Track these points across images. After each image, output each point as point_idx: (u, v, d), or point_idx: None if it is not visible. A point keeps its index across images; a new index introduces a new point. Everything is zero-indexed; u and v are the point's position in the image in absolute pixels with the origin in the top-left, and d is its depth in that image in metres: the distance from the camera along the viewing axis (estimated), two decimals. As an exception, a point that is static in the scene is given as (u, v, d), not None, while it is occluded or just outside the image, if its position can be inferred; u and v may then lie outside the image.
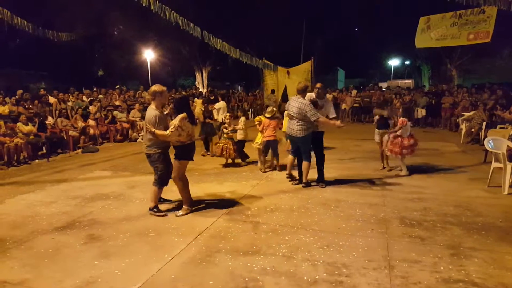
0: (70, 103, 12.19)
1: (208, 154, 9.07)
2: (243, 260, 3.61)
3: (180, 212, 4.89)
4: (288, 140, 6.48)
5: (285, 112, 6.46)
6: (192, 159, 4.96)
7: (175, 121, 4.61)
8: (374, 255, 3.69)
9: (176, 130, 4.57)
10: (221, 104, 10.24)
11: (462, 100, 14.16)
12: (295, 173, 6.52)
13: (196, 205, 5.14)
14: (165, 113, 4.99)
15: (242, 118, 8.13)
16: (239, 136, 7.94)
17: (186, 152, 4.82)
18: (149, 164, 4.96)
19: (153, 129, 4.59)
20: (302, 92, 5.94)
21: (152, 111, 4.76)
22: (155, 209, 4.92)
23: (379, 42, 29.76)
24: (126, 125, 12.15)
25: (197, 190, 6.05)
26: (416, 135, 7.16)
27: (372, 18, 25.34)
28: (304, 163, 6.09)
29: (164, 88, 4.91)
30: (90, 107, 12.37)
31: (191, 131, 4.81)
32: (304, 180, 6.17)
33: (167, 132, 4.57)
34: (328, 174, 6.99)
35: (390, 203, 5.31)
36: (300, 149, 6.12)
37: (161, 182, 4.92)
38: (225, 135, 7.82)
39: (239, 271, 3.41)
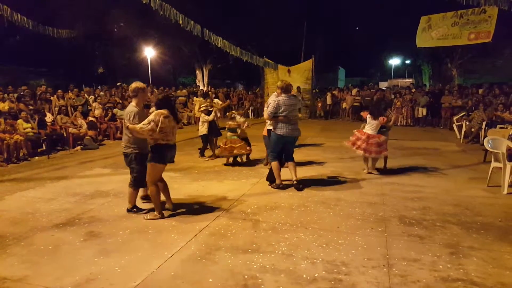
0: (70, 100, 12.16)
1: (211, 157, 8.40)
2: (242, 258, 3.62)
3: (148, 216, 4.71)
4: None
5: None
6: (165, 163, 4.65)
7: (151, 116, 4.46)
8: (373, 254, 3.69)
9: (149, 124, 4.33)
10: (198, 100, 9.85)
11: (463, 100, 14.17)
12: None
13: (164, 216, 4.73)
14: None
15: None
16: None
17: (159, 154, 4.53)
18: (126, 164, 4.87)
19: (127, 124, 4.52)
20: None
21: (130, 107, 4.72)
22: (134, 209, 4.89)
23: (379, 41, 29.77)
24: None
25: (197, 188, 6.07)
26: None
27: (373, 17, 25.34)
28: (292, 163, 6.05)
29: (144, 85, 4.84)
30: (94, 104, 12.37)
31: (169, 130, 4.51)
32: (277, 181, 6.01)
33: (139, 125, 4.39)
34: (329, 173, 7.02)
35: (389, 202, 5.32)
36: (289, 150, 6.08)
37: (136, 183, 4.82)
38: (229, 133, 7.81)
39: (238, 268, 3.42)
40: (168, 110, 4.55)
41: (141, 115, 4.69)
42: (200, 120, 8.38)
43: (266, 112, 5.90)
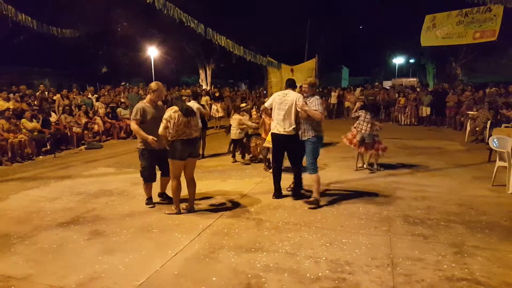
0: (78, 100, 12.17)
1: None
2: (246, 257, 3.62)
3: (166, 211, 4.88)
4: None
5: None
6: (178, 159, 4.58)
7: (165, 114, 4.56)
8: (377, 253, 3.68)
9: (162, 123, 4.50)
10: (191, 104, 9.06)
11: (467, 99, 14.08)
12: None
13: (180, 212, 4.83)
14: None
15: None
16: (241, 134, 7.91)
17: (171, 150, 4.57)
18: None
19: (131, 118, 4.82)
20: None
21: (139, 103, 4.95)
22: (146, 201, 5.20)
23: (383, 40, 29.62)
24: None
25: (200, 187, 6.06)
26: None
27: (377, 16, 25.26)
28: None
29: (160, 88, 4.95)
30: (96, 103, 12.39)
31: (179, 127, 4.48)
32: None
33: (160, 128, 4.49)
34: (332, 172, 7.00)
35: (393, 201, 5.30)
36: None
37: (143, 177, 5.06)
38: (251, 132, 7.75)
39: (242, 267, 3.42)
40: (177, 106, 4.60)
41: (146, 110, 4.85)
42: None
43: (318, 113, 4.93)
